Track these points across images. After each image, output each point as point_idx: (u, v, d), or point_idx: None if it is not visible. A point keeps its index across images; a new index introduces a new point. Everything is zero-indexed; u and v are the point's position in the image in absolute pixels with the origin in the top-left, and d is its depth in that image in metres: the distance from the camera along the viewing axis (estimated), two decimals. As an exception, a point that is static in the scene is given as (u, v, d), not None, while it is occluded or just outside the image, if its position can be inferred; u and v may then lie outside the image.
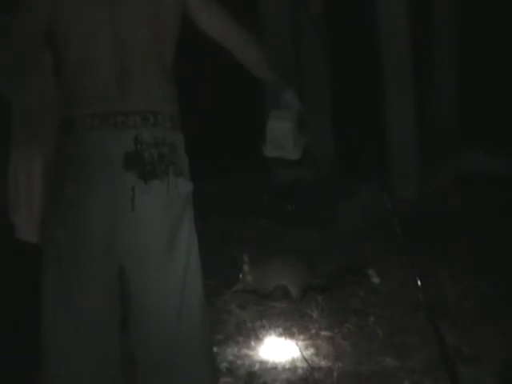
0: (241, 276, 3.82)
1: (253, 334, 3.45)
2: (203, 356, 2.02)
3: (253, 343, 3.35)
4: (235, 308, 3.77)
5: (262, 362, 3.16)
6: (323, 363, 3.13)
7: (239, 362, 3.18)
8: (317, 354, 3.22)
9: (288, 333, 3.46)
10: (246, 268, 3.83)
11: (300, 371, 3.06)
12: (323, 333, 3.45)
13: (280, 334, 3.44)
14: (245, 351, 3.28)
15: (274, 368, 3.11)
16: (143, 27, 1.95)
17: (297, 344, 3.32)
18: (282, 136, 2.08)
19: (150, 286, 1.93)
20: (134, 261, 1.92)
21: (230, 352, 3.26)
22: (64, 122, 1.94)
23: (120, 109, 1.90)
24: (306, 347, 3.29)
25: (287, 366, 3.11)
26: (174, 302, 1.95)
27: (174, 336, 1.95)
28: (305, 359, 3.15)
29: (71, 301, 1.91)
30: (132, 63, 1.93)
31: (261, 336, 3.42)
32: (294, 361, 3.15)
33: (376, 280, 4.08)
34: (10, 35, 1.96)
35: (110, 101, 1.91)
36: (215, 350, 3.16)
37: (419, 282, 2.46)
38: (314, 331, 3.47)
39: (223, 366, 3.11)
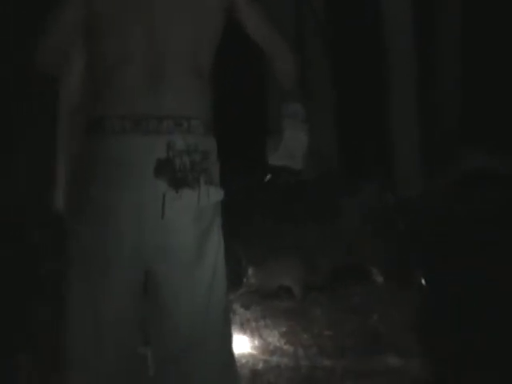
0: (245, 279, 3.84)
1: (256, 333, 3.47)
2: (222, 363, 1.98)
3: (256, 342, 3.37)
4: (239, 308, 3.79)
5: (265, 361, 3.18)
6: (326, 362, 3.14)
7: (243, 360, 3.19)
8: (320, 353, 3.23)
9: (291, 332, 3.47)
10: (249, 268, 3.85)
11: (303, 370, 3.07)
12: (326, 332, 3.47)
13: (283, 333, 3.46)
14: (248, 350, 3.30)
15: (277, 367, 3.12)
16: (180, 27, 1.90)
17: (300, 343, 3.33)
18: (296, 147, 2.09)
19: (176, 292, 1.91)
20: (162, 267, 1.89)
21: (234, 351, 3.27)
22: (92, 121, 1.90)
23: (153, 112, 1.85)
24: (309, 346, 3.31)
25: (291, 365, 3.12)
26: (199, 309, 1.92)
27: (196, 341, 1.92)
28: (308, 358, 3.16)
29: (95, 301, 1.89)
30: (165, 64, 1.88)
31: (264, 335, 3.44)
32: (297, 360, 3.17)
33: (379, 279, 4.10)
34: (48, 31, 1.95)
35: (141, 102, 1.86)
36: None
37: (423, 281, 2.48)
38: (316, 330, 3.48)
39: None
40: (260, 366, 3.14)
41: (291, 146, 2.08)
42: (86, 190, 1.89)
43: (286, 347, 3.31)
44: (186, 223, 1.88)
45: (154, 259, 1.88)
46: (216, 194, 1.93)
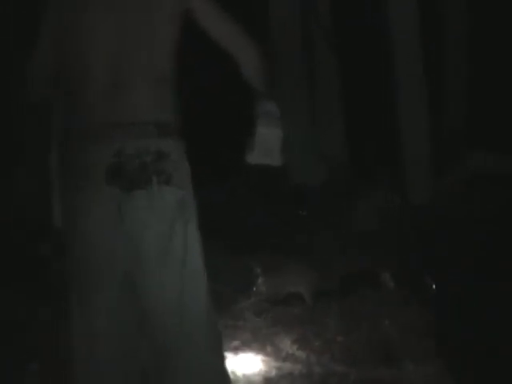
0: (255, 287, 3.85)
1: (268, 340, 3.46)
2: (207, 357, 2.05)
3: (268, 349, 3.37)
4: (250, 315, 3.78)
5: (278, 369, 3.17)
6: (339, 368, 3.13)
7: (256, 368, 3.20)
8: (332, 360, 3.22)
9: (303, 339, 3.46)
10: (259, 276, 3.85)
11: (316, 377, 3.07)
12: (338, 338, 3.46)
13: (295, 340, 3.45)
14: (261, 358, 3.29)
15: (290, 374, 3.12)
16: (135, 37, 1.98)
17: (312, 349, 3.33)
18: (270, 142, 2.09)
19: (149, 290, 2.00)
20: (134, 267, 1.99)
21: (246, 359, 3.27)
22: (63, 133, 2.02)
23: (107, 121, 1.95)
24: (322, 352, 3.30)
25: (303, 372, 3.12)
26: (172, 305, 2.00)
27: (174, 340, 2.00)
28: (320, 364, 3.16)
29: (87, 299, 2.00)
30: (122, 73, 1.97)
31: (276, 342, 3.43)
32: (309, 366, 3.16)
33: (390, 283, 4.09)
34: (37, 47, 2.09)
35: (99, 112, 1.96)
36: (231, 356, 3.20)
37: (434, 286, 2.48)
38: (329, 336, 3.47)
39: (239, 372, 3.13)
40: (272, 373, 3.14)
41: (267, 143, 2.08)
42: (63, 201, 2.02)
43: (298, 354, 3.31)
44: (145, 224, 1.95)
45: (127, 260, 1.98)
46: (172, 194, 1.97)
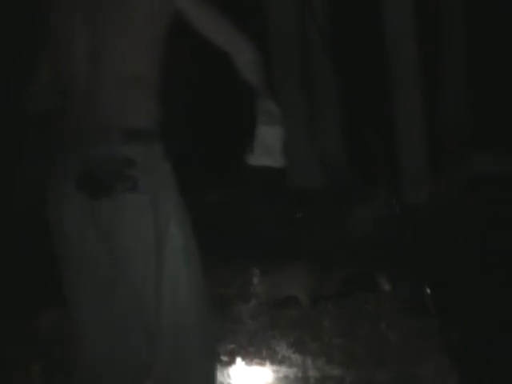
0: (252, 289, 3.84)
1: (264, 343, 3.45)
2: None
3: (265, 353, 3.35)
4: (247, 318, 3.77)
5: (274, 372, 3.16)
6: (336, 371, 3.12)
7: (252, 371, 3.19)
8: (329, 363, 3.21)
9: (300, 341, 3.45)
10: (255, 278, 3.84)
11: (312, 380, 3.06)
12: (335, 341, 3.45)
13: (292, 343, 3.44)
14: (257, 361, 3.28)
15: (286, 377, 3.11)
16: (115, 42, 1.97)
17: (309, 353, 3.31)
18: (271, 141, 2.08)
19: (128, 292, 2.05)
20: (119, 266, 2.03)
21: (243, 362, 3.26)
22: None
23: (77, 126, 1.97)
24: (318, 355, 3.29)
25: (300, 375, 3.11)
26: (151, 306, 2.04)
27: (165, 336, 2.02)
28: (317, 368, 3.14)
29: (76, 299, 2.06)
30: (95, 79, 1.96)
31: (272, 345, 3.42)
32: (306, 369, 3.15)
33: (387, 286, 4.07)
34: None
35: (75, 119, 1.98)
36: (227, 359, 3.19)
37: (428, 289, 2.47)
38: (325, 339, 3.46)
39: (235, 375, 3.13)
40: (269, 376, 3.13)
41: (267, 143, 2.07)
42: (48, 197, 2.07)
43: (294, 357, 3.29)
44: (114, 229, 1.98)
45: (101, 260, 2.02)
46: (137, 200, 1.96)
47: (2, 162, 4.76)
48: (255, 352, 3.36)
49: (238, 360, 3.27)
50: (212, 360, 2.14)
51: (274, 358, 3.29)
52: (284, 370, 3.17)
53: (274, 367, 3.21)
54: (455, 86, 7.33)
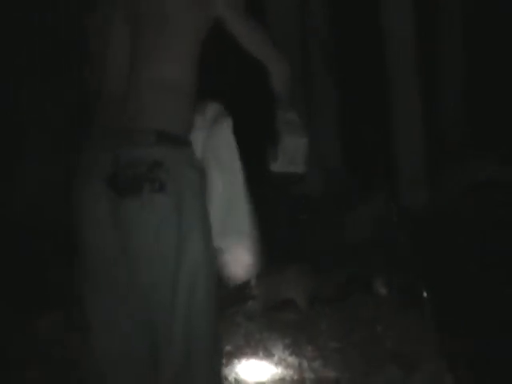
0: (248, 291, 3.84)
1: (261, 345, 3.46)
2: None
3: (261, 354, 3.36)
4: (243, 320, 3.78)
5: (270, 374, 3.17)
6: (331, 374, 3.13)
7: (248, 373, 3.20)
8: (325, 365, 3.22)
9: (296, 344, 3.46)
10: (253, 280, 3.84)
11: (308, 383, 3.07)
12: (331, 344, 3.45)
13: (288, 345, 3.45)
14: (253, 362, 3.29)
15: (282, 379, 3.12)
16: (148, 49, 1.99)
17: (305, 355, 3.32)
18: (296, 151, 2.11)
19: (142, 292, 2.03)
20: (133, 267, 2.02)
21: (239, 363, 3.27)
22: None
23: (108, 126, 1.98)
24: (314, 358, 3.30)
25: (295, 378, 3.12)
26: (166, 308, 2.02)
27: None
28: (313, 370, 3.15)
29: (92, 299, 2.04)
30: (132, 79, 1.98)
31: (269, 347, 3.43)
32: (302, 372, 3.16)
33: (384, 289, 4.08)
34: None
35: (108, 120, 1.99)
36: (224, 360, 3.19)
37: (425, 294, 2.48)
38: (321, 342, 3.47)
39: (232, 377, 3.13)
40: (265, 378, 3.14)
41: (291, 152, 2.10)
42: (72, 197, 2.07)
43: (290, 359, 3.30)
44: (137, 230, 1.97)
45: (121, 261, 2.01)
46: (164, 201, 1.97)
47: (2, 162, 4.76)
48: (251, 353, 3.37)
49: (235, 361, 3.28)
50: (219, 365, 2.16)
51: (270, 360, 3.30)
52: (280, 372, 3.18)
53: (270, 369, 3.21)
54: (455, 86, 7.34)
